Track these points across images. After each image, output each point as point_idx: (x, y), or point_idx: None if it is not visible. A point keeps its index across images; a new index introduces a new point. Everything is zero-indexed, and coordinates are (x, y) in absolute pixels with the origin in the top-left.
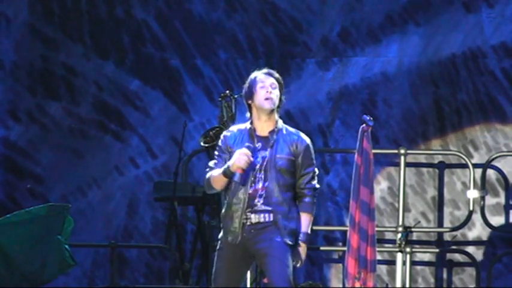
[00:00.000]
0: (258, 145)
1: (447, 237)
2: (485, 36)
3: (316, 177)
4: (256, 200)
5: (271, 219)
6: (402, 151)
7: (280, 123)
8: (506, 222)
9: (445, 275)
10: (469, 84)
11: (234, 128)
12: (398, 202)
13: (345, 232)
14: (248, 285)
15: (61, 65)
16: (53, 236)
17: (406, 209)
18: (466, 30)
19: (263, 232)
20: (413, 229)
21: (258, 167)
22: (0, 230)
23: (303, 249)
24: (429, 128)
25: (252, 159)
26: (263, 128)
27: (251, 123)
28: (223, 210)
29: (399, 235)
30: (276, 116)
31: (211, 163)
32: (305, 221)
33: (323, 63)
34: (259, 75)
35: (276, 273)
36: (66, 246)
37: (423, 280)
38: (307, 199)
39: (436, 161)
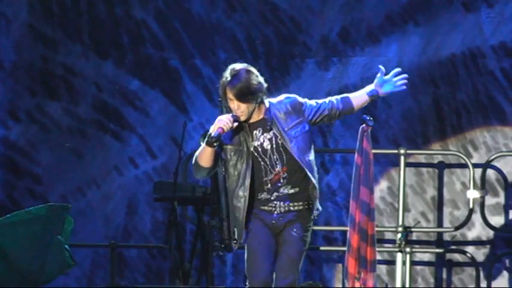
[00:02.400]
0: (258, 130)
1: (447, 237)
2: (485, 36)
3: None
4: (279, 184)
5: (301, 207)
6: (402, 151)
7: (267, 103)
8: (506, 222)
9: (444, 275)
10: (469, 84)
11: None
12: (398, 202)
13: (344, 232)
14: (248, 285)
15: (60, 65)
16: (53, 236)
17: (405, 209)
18: (466, 30)
19: (293, 222)
20: (413, 229)
21: (269, 151)
22: (0, 230)
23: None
24: (429, 128)
25: (233, 124)
26: (253, 116)
27: None
28: (225, 214)
29: (399, 235)
30: (262, 102)
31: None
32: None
33: (323, 63)
34: (228, 90)
35: (281, 266)
36: (66, 246)
37: (423, 280)
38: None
39: (435, 161)
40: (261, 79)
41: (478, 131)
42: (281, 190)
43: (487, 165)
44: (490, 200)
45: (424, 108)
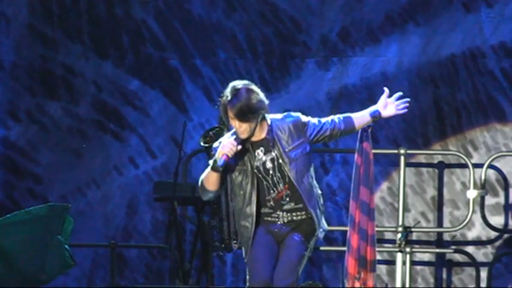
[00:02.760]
0: (261, 150)
1: (447, 237)
2: (485, 36)
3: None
4: (282, 201)
5: (304, 216)
6: (402, 151)
7: (269, 120)
8: (505, 222)
9: (444, 275)
10: (469, 84)
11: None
12: (398, 202)
13: (344, 232)
14: (248, 285)
15: (60, 65)
16: (53, 236)
17: (405, 209)
18: (466, 30)
19: (296, 229)
20: (413, 229)
21: (271, 171)
22: (0, 230)
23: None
24: (429, 128)
25: (238, 147)
26: (256, 135)
27: None
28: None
29: (399, 235)
30: (264, 119)
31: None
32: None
33: (323, 63)
34: (228, 109)
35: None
36: (66, 247)
37: (423, 280)
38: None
39: (435, 161)
40: (262, 96)
41: (478, 131)
42: (284, 207)
43: (487, 165)
44: (490, 200)
45: (424, 108)
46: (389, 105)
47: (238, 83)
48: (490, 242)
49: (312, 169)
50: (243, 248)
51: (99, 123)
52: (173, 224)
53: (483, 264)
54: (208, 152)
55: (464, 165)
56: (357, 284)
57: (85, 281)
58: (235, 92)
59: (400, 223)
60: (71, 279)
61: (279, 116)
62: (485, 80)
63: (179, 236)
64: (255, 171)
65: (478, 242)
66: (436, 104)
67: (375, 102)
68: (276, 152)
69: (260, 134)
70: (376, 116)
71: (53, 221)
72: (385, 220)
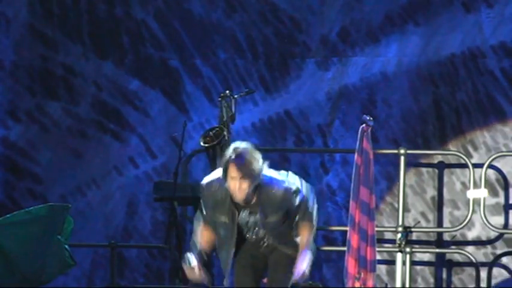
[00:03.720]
0: (247, 210)
1: (447, 237)
2: (485, 36)
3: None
4: (264, 241)
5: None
6: (402, 151)
7: (262, 183)
8: (506, 222)
9: (444, 275)
10: (469, 84)
11: (215, 187)
12: (398, 202)
13: (344, 232)
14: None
15: (60, 65)
16: (53, 236)
17: (405, 209)
18: (466, 30)
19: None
20: (413, 229)
21: (251, 227)
22: (0, 230)
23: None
24: (429, 128)
25: (201, 274)
26: (239, 194)
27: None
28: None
29: (399, 235)
30: (255, 182)
31: (197, 215)
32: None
33: (322, 63)
34: (230, 167)
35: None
36: (66, 246)
37: (423, 280)
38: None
39: (435, 161)
40: (261, 162)
41: (478, 131)
42: (266, 243)
43: (487, 165)
44: (490, 200)
45: (424, 108)
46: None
47: (241, 144)
48: (490, 242)
49: (294, 228)
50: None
51: (99, 123)
52: (173, 224)
53: (483, 264)
54: (209, 152)
55: (464, 165)
56: (357, 284)
57: (85, 281)
58: (239, 151)
59: (400, 223)
60: (71, 279)
61: (279, 177)
62: (485, 80)
63: (179, 236)
64: (238, 224)
65: (478, 242)
66: (436, 104)
67: (374, 102)
68: (259, 217)
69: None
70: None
71: (53, 221)
72: (385, 220)
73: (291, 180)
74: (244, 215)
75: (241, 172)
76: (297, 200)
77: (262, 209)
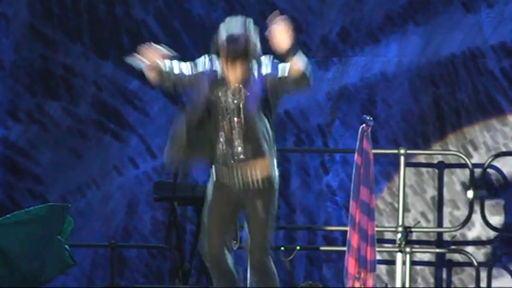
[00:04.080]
0: (226, 89)
1: (447, 237)
2: (485, 36)
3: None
4: (233, 159)
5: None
6: (402, 151)
7: (255, 67)
8: (506, 222)
9: (444, 275)
10: (469, 84)
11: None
12: (398, 202)
13: (344, 232)
14: (248, 285)
15: (60, 65)
16: (53, 236)
17: (405, 209)
18: (466, 30)
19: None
20: (413, 229)
21: (231, 110)
22: (0, 230)
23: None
24: (429, 128)
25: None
26: (234, 76)
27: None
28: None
29: (399, 235)
30: (250, 62)
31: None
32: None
33: (322, 63)
34: (223, 51)
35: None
36: (66, 247)
37: (423, 280)
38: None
39: (435, 161)
40: (257, 40)
41: (478, 131)
42: (237, 158)
43: (487, 165)
44: (490, 200)
45: (424, 108)
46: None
47: (236, 22)
48: (490, 242)
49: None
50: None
51: (99, 123)
52: (173, 224)
53: (483, 264)
54: None
55: (464, 165)
56: (357, 284)
57: (85, 281)
58: (233, 33)
59: (400, 223)
60: (71, 279)
61: (265, 61)
62: (485, 80)
63: (179, 236)
64: (217, 101)
65: (478, 242)
66: (436, 104)
67: (374, 102)
68: (242, 103)
69: (237, 77)
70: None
71: (53, 221)
72: (385, 220)
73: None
74: (226, 94)
75: (238, 54)
76: (275, 75)
77: (250, 94)
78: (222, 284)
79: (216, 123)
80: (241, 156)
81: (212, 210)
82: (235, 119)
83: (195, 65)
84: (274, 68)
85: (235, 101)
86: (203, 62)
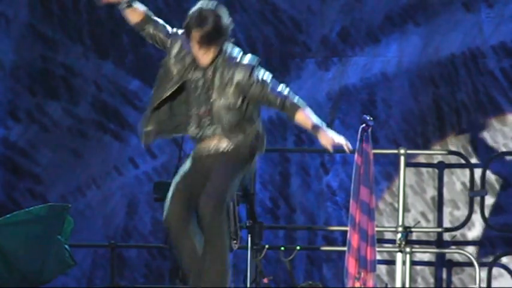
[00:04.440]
0: (197, 75)
1: (447, 237)
2: (485, 36)
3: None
4: (203, 122)
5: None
6: (402, 151)
7: (224, 51)
8: (506, 222)
9: (444, 275)
10: (469, 84)
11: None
12: (398, 202)
13: (344, 232)
14: (248, 285)
15: (60, 65)
16: (53, 236)
17: (405, 209)
18: (466, 30)
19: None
20: (413, 229)
21: (199, 89)
22: (0, 230)
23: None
24: (429, 128)
25: None
26: (204, 58)
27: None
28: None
29: (399, 235)
30: (220, 47)
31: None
32: (307, 115)
33: (323, 63)
34: (194, 32)
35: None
36: (66, 247)
37: (423, 280)
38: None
39: (435, 161)
40: (229, 22)
41: (478, 131)
42: (210, 127)
43: (487, 165)
44: (490, 200)
45: (424, 108)
46: (330, 139)
47: (207, 5)
48: (490, 242)
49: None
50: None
51: (99, 123)
52: None
53: (483, 264)
54: None
55: (464, 165)
56: (357, 284)
57: (85, 281)
58: (203, 15)
59: (400, 223)
60: (71, 279)
61: (235, 51)
62: (485, 80)
63: None
64: (185, 79)
65: (478, 242)
66: (436, 104)
67: (374, 102)
68: (211, 83)
69: (205, 60)
70: (316, 129)
71: (53, 221)
72: (385, 220)
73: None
74: (197, 73)
75: (206, 38)
76: (252, 80)
77: (214, 77)
78: (182, 254)
79: (187, 98)
80: (210, 134)
81: (181, 178)
82: (203, 108)
83: (177, 31)
84: (267, 83)
85: (205, 87)
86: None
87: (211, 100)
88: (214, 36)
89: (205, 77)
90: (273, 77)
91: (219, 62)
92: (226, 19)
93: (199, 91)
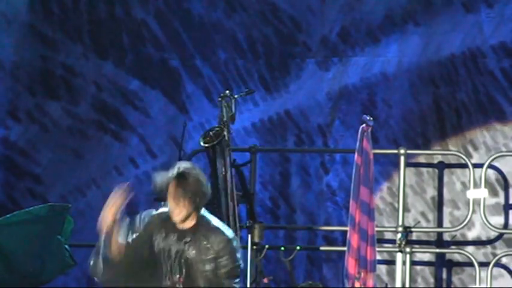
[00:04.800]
0: (173, 236)
1: (447, 237)
2: (485, 36)
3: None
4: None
5: None
6: (402, 151)
7: (202, 217)
8: (505, 222)
9: (444, 275)
10: (469, 84)
11: (157, 218)
12: (398, 202)
13: (344, 232)
14: (248, 285)
15: (60, 65)
16: (53, 236)
17: (405, 209)
18: (466, 30)
19: None
20: (413, 229)
21: (173, 258)
22: (0, 230)
23: None
24: (429, 128)
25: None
26: (180, 220)
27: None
28: None
29: (399, 235)
30: (197, 214)
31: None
32: None
33: (323, 63)
34: (172, 185)
35: None
36: (66, 247)
37: (423, 280)
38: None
39: (435, 161)
40: (207, 189)
41: (478, 131)
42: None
43: (487, 165)
44: (489, 200)
45: (424, 108)
46: None
47: (186, 164)
48: (490, 242)
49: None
50: None
51: (99, 123)
52: None
53: (483, 264)
54: (209, 152)
55: (464, 165)
56: (357, 284)
57: (85, 281)
58: (183, 171)
59: (400, 223)
60: (71, 279)
61: (214, 222)
62: (485, 80)
63: None
64: (159, 250)
65: (478, 242)
66: (436, 104)
67: (374, 102)
68: (186, 252)
69: (188, 224)
70: None
71: (53, 221)
72: (385, 220)
73: (226, 229)
74: (171, 239)
75: (184, 191)
76: (229, 249)
77: (193, 243)
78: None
79: (160, 267)
80: None
81: None
82: (177, 276)
83: (133, 223)
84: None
85: (179, 253)
86: (140, 219)
87: (185, 269)
88: (194, 193)
89: (180, 246)
90: (239, 266)
91: (199, 231)
92: (203, 180)
93: (173, 261)
